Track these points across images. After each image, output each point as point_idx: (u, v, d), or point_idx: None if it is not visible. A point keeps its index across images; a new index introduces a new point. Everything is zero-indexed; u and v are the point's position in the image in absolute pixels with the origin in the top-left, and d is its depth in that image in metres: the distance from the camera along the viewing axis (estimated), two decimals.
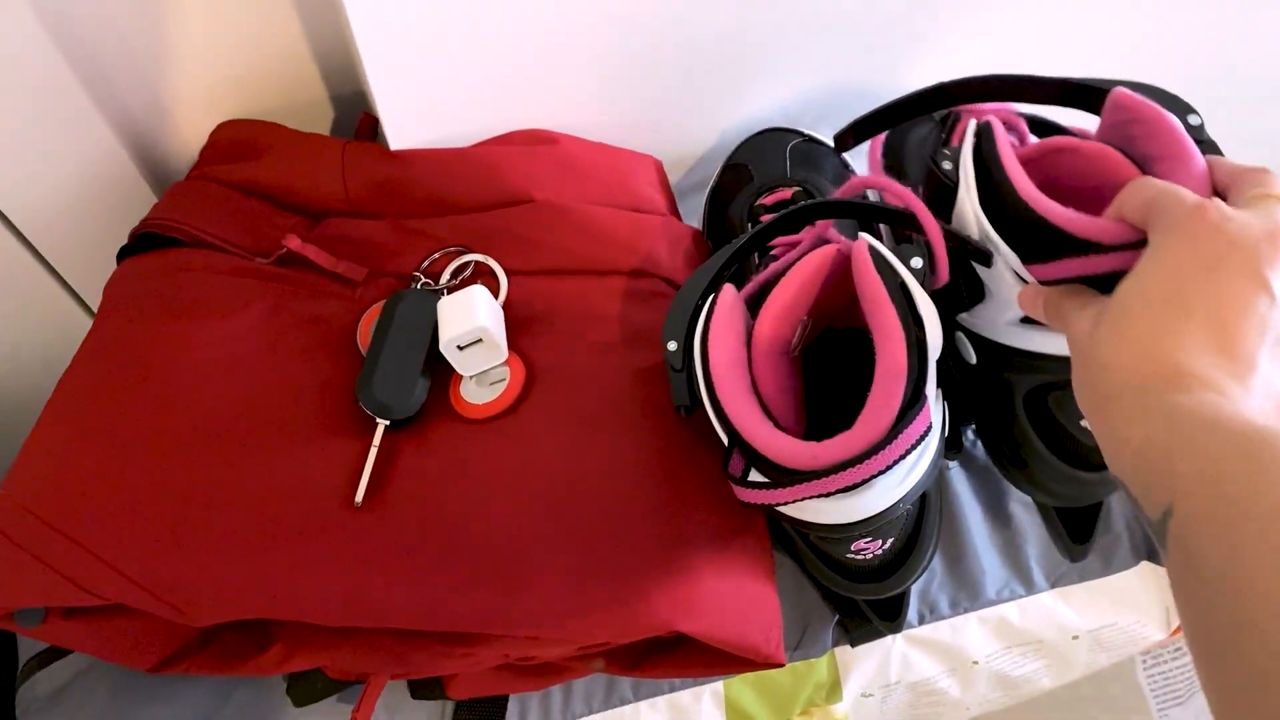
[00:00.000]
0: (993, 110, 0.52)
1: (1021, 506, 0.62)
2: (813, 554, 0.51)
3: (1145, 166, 0.43)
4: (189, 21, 0.53)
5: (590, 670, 0.52)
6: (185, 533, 0.45)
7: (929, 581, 0.60)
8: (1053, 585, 0.62)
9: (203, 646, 0.50)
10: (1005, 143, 0.43)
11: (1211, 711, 0.29)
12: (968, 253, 0.45)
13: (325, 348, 0.51)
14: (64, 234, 0.59)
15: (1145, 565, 0.63)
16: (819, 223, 0.49)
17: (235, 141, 0.58)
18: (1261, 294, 0.33)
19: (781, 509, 0.42)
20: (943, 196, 0.47)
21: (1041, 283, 0.42)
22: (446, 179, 0.53)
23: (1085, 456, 0.51)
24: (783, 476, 0.40)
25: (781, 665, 0.47)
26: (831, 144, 0.61)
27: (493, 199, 0.53)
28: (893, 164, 0.60)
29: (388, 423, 0.48)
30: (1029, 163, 0.44)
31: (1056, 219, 0.40)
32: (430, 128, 0.53)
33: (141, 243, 0.54)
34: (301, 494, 0.46)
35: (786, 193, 0.57)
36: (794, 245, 0.51)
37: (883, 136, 0.61)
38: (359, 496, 0.46)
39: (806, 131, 0.60)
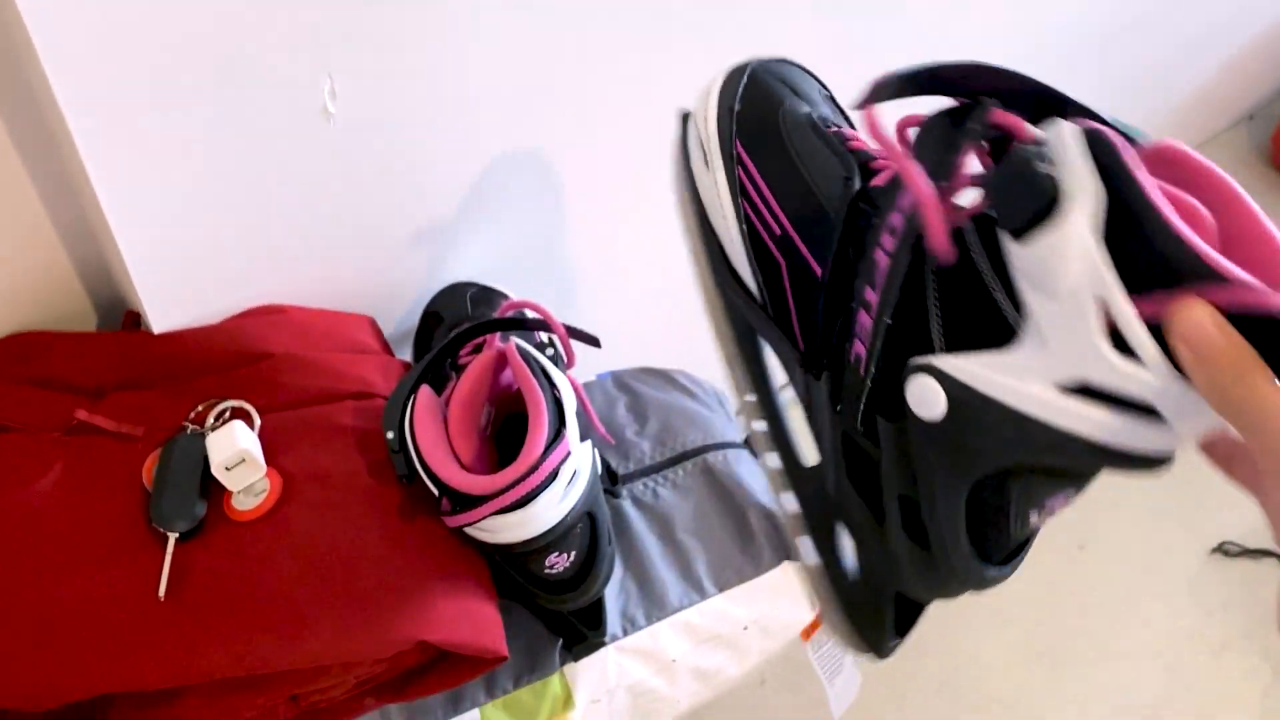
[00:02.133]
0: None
1: (686, 533, 0.82)
2: (525, 578, 0.68)
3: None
4: None
5: (365, 708, 0.67)
6: (16, 643, 0.57)
7: (626, 601, 0.79)
8: (720, 590, 0.82)
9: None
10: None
11: None
12: (584, 338, 0.66)
13: (118, 490, 0.65)
14: None
15: (786, 564, 0.84)
16: (488, 340, 0.69)
17: (18, 349, 0.72)
18: None
19: (480, 531, 0.60)
20: (1029, 203, 0.35)
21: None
22: (203, 348, 0.70)
23: (1002, 550, 0.45)
24: (472, 502, 0.59)
25: (505, 658, 0.64)
26: (499, 289, 0.82)
27: (243, 358, 0.70)
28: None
29: (177, 534, 0.62)
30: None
31: (1209, 262, 0.32)
32: (184, 312, 0.70)
33: None
34: (114, 596, 0.59)
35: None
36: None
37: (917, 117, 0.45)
38: (161, 591, 0.60)
39: (480, 282, 0.82)
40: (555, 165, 0.83)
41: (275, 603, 0.60)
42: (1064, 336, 0.35)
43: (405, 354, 0.84)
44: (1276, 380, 0.31)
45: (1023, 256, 0.36)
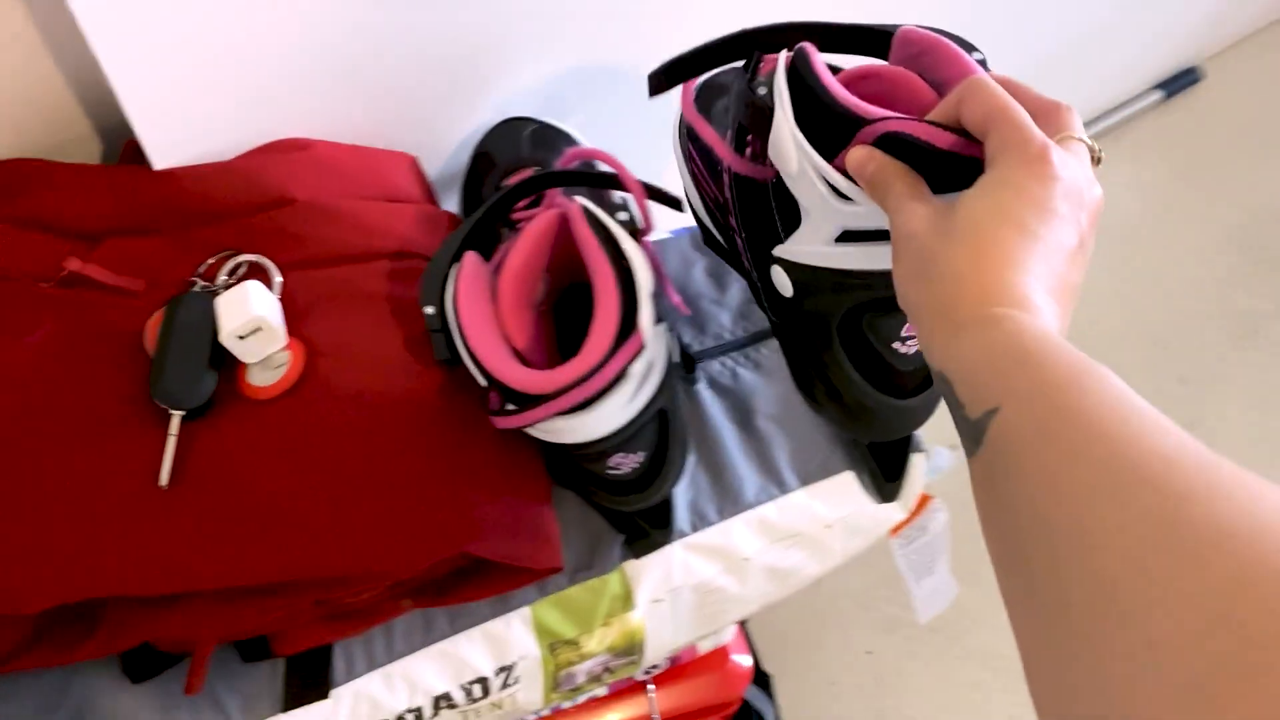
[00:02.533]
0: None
1: (768, 420, 0.72)
2: (584, 477, 0.59)
3: (940, 91, 0.46)
4: None
5: (401, 610, 0.59)
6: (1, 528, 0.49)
7: (696, 494, 0.70)
8: (803, 484, 0.72)
9: (34, 643, 0.54)
10: (820, 62, 0.46)
11: (1006, 608, 0.31)
12: (666, 199, 0.54)
13: (116, 355, 0.55)
14: None
15: None
16: (548, 193, 0.57)
17: (6, 180, 0.61)
18: (1079, 248, 0.38)
19: (537, 432, 0.50)
20: (761, 122, 0.47)
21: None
22: (212, 190, 0.59)
23: (901, 383, 0.56)
24: (528, 402, 0.48)
25: (559, 570, 0.56)
26: (565, 129, 0.70)
27: (258, 203, 0.59)
28: (705, 104, 0.61)
29: (183, 412, 0.53)
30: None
31: (875, 117, 0.42)
32: (190, 145, 0.58)
33: None
34: (110, 483, 0.51)
35: (527, 172, 0.65)
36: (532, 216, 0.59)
37: (695, 81, 0.59)
38: (163, 478, 0.51)
39: (542, 119, 0.68)
40: None
41: (295, 503, 0.51)
42: (813, 202, 0.47)
43: (452, 202, 0.72)
44: (918, 184, 0.41)
45: (776, 157, 0.47)
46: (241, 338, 0.54)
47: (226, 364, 0.55)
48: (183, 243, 0.58)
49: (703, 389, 0.71)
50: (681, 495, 0.69)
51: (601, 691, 0.84)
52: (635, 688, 0.92)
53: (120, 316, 0.57)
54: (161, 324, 0.55)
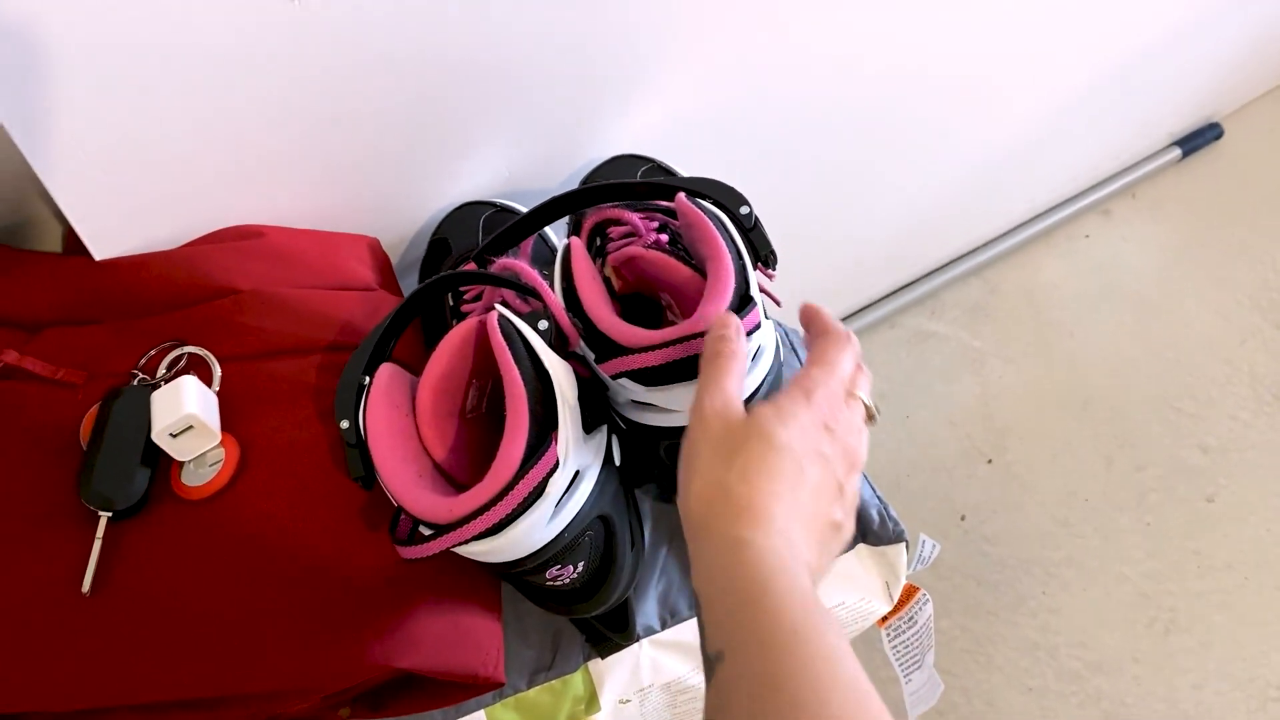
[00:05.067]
0: (607, 210, 0.58)
1: None
2: (526, 589, 0.56)
3: (702, 265, 0.51)
4: None
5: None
6: None
7: (668, 589, 0.66)
8: None
9: None
10: (581, 260, 0.52)
11: None
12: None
13: (49, 451, 0.53)
14: None
15: (861, 548, 0.71)
16: (486, 293, 0.55)
17: None
18: (839, 492, 0.43)
19: (459, 551, 0.48)
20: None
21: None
22: (154, 280, 0.57)
23: None
24: (432, 530, 0.46)
25: (501, 684, 0.53)
26: (521, 210, 0.67)
27: (201, 294, 0.57)
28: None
29: (110, 514, 0.51)
30: (624, 264, 0.51)
31: (605, 328, 0.49)
32: (131, 234, 0.57)
33: None
34: (29, 589, 0.49)
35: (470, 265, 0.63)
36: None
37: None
38: (86, 585, 0.49)
39: (500, 202, 0.66)
40: (591, 47, 0.66)
41: (222, 612, 0.49)
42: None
43: (413, 285, 0.70)
44: (741, 378, 0.45)
45: None
46: (174, 435, 0.52)
47: (160, 462, 0.53)
48: (125, 333, 0.57)
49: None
50: (651, 590, 0.66)
51: None
52: None
53: (57, 410, 0.55)
54: (95, 419, 0.53)
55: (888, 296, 1.36)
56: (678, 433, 0.52)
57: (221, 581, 0.50)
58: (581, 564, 0.53)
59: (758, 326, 0.48)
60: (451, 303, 0.61)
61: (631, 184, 0.55)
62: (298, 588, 0.50)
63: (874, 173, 1.08)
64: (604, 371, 0.50)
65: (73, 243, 0.61)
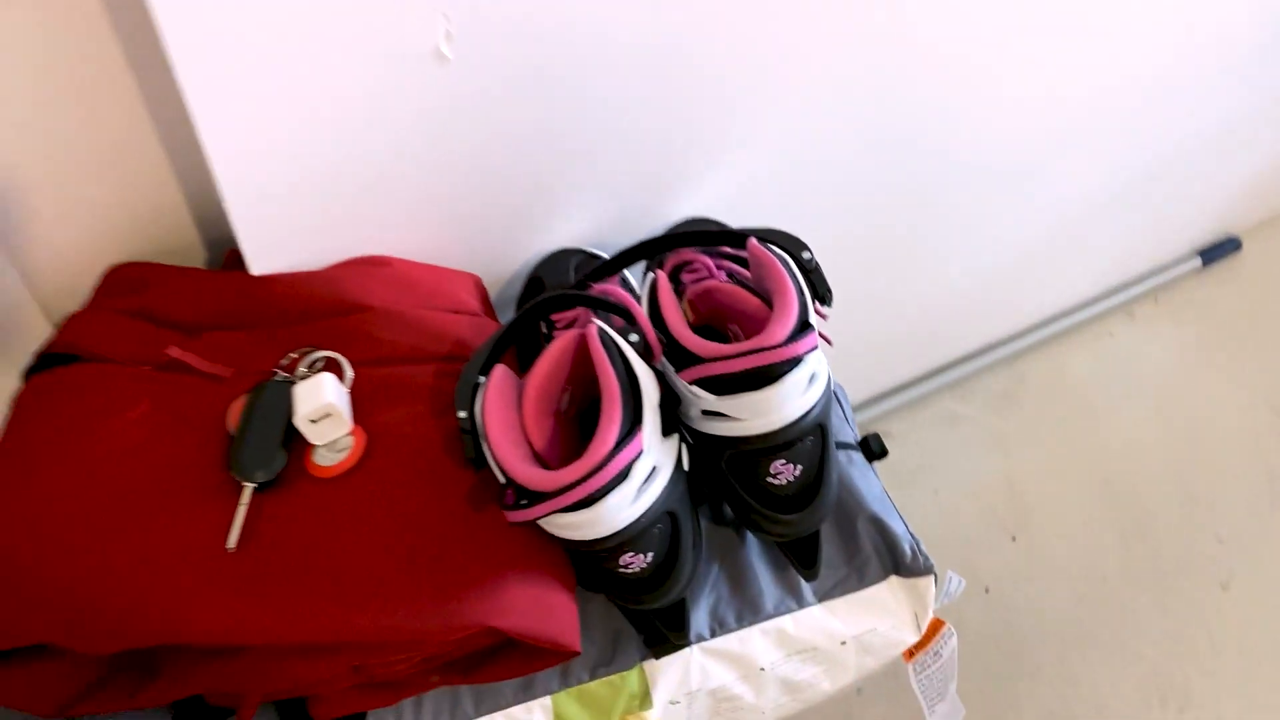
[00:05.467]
0: (685, 253, 0.70)
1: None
2: (601, 576, 0.64)
3: (769, 299, 0.60)
4: (85, 185, 0.67)
5: (430, 685, 0.64)
6: (85, 581, 0.56)
7: (717, 601, 0.74)
8: (820, 600, 0.76)
9: (97, 689, 0.60)
10: (665, 288, 0.62)
11: None
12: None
13: (201, 432, 0.63)
14: None
15: (893, 579, 0.78)
16: (580, 315, 0.65)
17: (124, 278, 0.70)
18: None
19: (552, 528, 0.56)
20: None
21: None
22: (300, 295, 0.67)
23: (783, 504, 0.66)
24: (535, 497, 0.54)
25: (577, 654, 0.60)
26: (604, 256, 0.77)
27: (338, 309, 0.67)
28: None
29: (254, 485, 0.60)
30: (700, 296, 0.61)
31: (684, 342, 0.59)
32: (285, 255, 0.67)
33: (44, 361, 0.66)
34: (183, 544, 0.58)
35: None
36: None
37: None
38: (231, 542, 0.58)
39: (588, 249, 0.77)
40: (671, 132, 0.76)
41: (345, 569, 0.57)
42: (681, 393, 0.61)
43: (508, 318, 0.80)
44: None
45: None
46: (313, 421, 0.61)
47: (296, 444, 0.62)
48: (270, 338, 0.66)
49: (727, 506, 0.76)
50: (703, 601, 0.73)
51: None
52: None
53: (209, 399, 0.64)
54: (244, 407, 0.63)
55: (919, 380, 1.44)
56: (740, 442, 0.61)
57: (346, 546, 0.58)
58: (650, 554, 0.61)
59: (814, 348, 0.57)
60: (545, 330, 0.70)
61: (708, 231, 0.65)
62: (412, 555, 0.58)
63: (916, 255, 1.18)
64: (682, 379, 0.58)
65: (228, 264, 0.72)
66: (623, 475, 0.54)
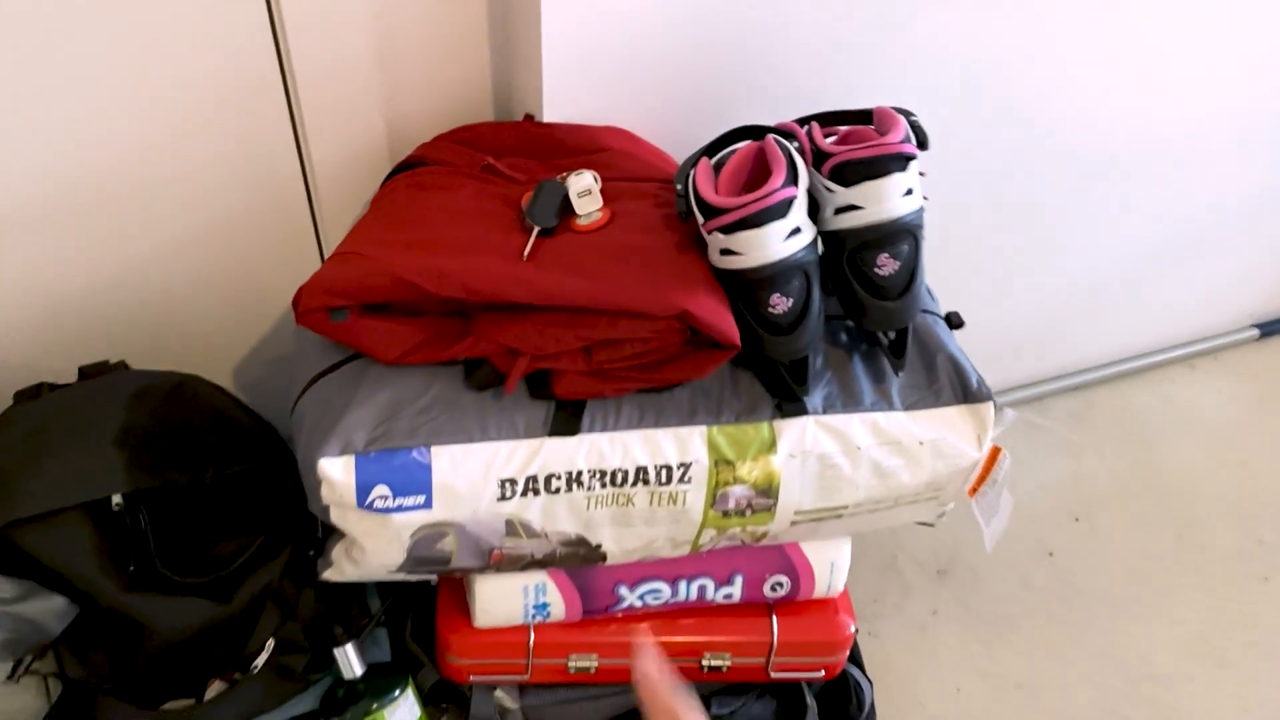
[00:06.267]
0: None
1: (888, 365, 1.04)
2: (751, 315, 0.93)
3: (886, 129, 0.92)
4: (437, 69, 1.05)
5: (629, 386, 0.93)
6: (435, 258, 0.89)
7: (829, 392, 1.01)
8: (905, 408, 1.03)
9: (423, 345, 0.92)
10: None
11: None
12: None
13: (505, 204, 0.97)
14: (335, 180, 1.08)
15: (962, 406, 1.05)
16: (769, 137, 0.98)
17: (458, 132, 1.08)
18: None
19: (727, 257, 0.87)
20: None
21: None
22: (570, 139, 1.03)
23: (884, 292, 0.94)
24: (721, 212, 0.86)
25: (737, 346, 0.90)
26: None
27: (592, 148, 1.02)
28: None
29: (538, 229, 0.93)
30: (843, 137, 0.94)
31: (820, 145, 0.91)
32: (565, 111, 1.03)
33: (400, 167, 1.02)
34: (497, 252, 0.91)
35: None
36: None
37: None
38: (525, 253, 0.91)
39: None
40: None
41: (593, 267, 0.89)
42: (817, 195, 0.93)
43: None
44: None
45: None
46: (579, 196, 0.95)
47: (563, 215, 0.96)
48: (548, 163, 1.02)
49: (842, 332, 1.05)
50: (819, 390, 1.01)
51: (738, 544, 1.09)
52: (759, 609, 1.19)
53: (510, 190, 0.99)
54: (533, 193, 0.97)
55: (1003, 392, 1.70)
56: (860, 233, 0.91)
57: (594, 260, 0.91)
58: (791, 300, 0.91)
59: (915, 157, 0.89)
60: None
61: (842, 111, 0.98)
62: (635, 264, 0.90)
63: (1029, 256, 1.49)
64: (820, 175, 0.90)
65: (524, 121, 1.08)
66: (782, 211, 0.86)
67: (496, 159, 1.03)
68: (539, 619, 1.13)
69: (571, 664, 1.17)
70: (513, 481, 0.92)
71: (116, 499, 0.97)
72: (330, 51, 1.01)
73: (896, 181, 0.89)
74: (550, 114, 1.04)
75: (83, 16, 0.92)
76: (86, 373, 1.05)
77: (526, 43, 1.00)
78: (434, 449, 0.91)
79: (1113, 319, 1.70)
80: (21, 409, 1.00)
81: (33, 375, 1.04)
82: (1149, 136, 1.42)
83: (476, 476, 0.92)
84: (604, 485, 0.95)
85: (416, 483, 0.90)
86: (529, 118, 1.07)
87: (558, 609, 1.12)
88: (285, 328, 1.23)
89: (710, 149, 0.96)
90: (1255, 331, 1.82)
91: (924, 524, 1.16)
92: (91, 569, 0.97)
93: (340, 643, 1.10)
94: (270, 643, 1.06)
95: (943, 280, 1.41)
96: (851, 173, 0.90)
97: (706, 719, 0.51)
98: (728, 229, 0.87)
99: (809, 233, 0.90)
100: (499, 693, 1.19)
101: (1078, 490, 1.61)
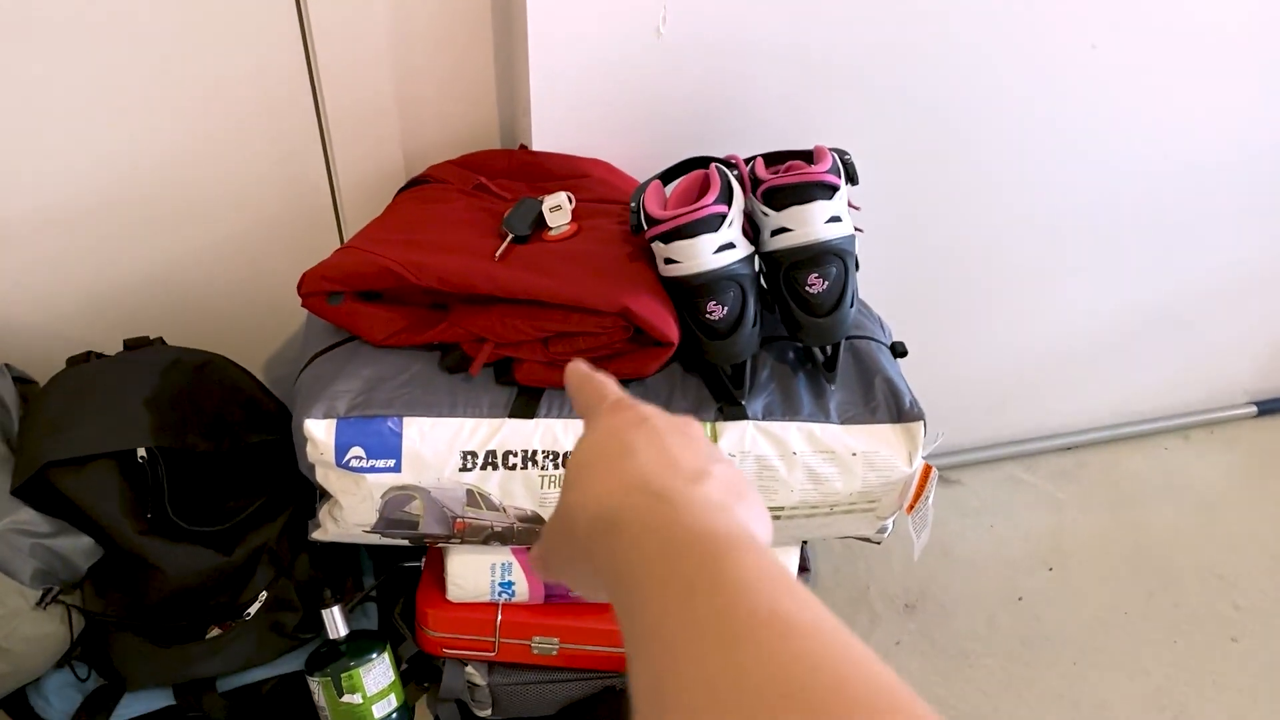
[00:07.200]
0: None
1: (825, 380, 1.15)
2: (692, 321, 1.05)
3: (818, 161, 1.05)
4: (449, 105, 1.22)
5: None
6: (418, 253, 1.04)
7: (770, 400, 1.12)
8: (841, 422, 1.13)
9: (406, 330, 1.06)
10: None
11: None
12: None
13: (489, 216, 1.12)
14: (358, 189, 1.25)
15: (897, 425, 1.14)
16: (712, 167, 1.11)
17: (465, 159, 1.24)
18: (681, 433, 0.45)
19: (668, 265, 1.00)
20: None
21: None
22: (554, 166, 1.18)
23: (815, 309, 1.06)
24: (658, 223, 0.99)
25: (674, 344, 1.02)
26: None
27: (571, 174, 1.17)
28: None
29: (512, 236, 1.08)
30: (781, 171, 1.06)
31: (759, 174, 1.03)
32: (552, 142, 1.18)
33: (413, 183, 1.19)
34: (474, 252, 1.06)
35: None
36: None
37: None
38: (497, 254, 1.05)
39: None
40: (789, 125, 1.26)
41: (552, 268, 1.03)
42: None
43: None
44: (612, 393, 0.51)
45: None
46: (551, 210, 1.10)
47: (536, 228, 1.10)
48: (536, 184, 1.17)
49: (790, 352, 1.16)
50: (760, 397, 1.12)
51: None
52: None
53: (496, 205, 1.14)
54: (512, 208, 1.12)
55: (991, 445, 1.77)
56: (791, 254, 1.04)
57: (558, 264, 1.04)
58: (726, 308, 1.03)
59: (839, 189, 1.01)
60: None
61: (785, 151, 1.11)
62: (590, 268, 1.03)
63: (992, 313, 1.58)
64: (755, 199, 1.03)
65: (517, 149, 1.24)
66: (713, 225, 0.99)
67: (490, 180, 1.18)
68: (505, 598, 1.24)
69: (535, 645, 1.27)
70: (474, 454, 1.05)
71: (141, 452, 1.12)
72: (356, 93, 1.19)
73: (821, 207, 1.01)
74: (539, 145, 1.19)
75: (154, 90, 1.12)
76: (129, 345, 1.22)
77: (520, 85, 1.16)
78: (406, 419, 1.04)
79: (1106, 382, 1.76)
80: (72, 371, 1.17)
81: (85, 346, 1.21)
82: (1148, 200, 1.51)
83: (442, 447, 1.05)
84: (556, 466, 1.07)
85: (388, 448, 1.04)
86: (523, 147, 1.23)
87: (522, 589, 1.23)
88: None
89: (665, 175, 1.10)
90: (1253, 409, 1.85)
91: (867, 539, 1.25)
92: (114, 512, 1.12)
93: (328, 605, 1.23)
94: (264, 595, 1.19)
95: (936, 335, 1.52)
96: (782, 197, 1.02)
97: (628, 395, 0.50)
98: (665, 238, 1.00)
99: (743, 249, 1.03)
100: (469, 668, 1.30)
101: (1056, 541, 1.66)
